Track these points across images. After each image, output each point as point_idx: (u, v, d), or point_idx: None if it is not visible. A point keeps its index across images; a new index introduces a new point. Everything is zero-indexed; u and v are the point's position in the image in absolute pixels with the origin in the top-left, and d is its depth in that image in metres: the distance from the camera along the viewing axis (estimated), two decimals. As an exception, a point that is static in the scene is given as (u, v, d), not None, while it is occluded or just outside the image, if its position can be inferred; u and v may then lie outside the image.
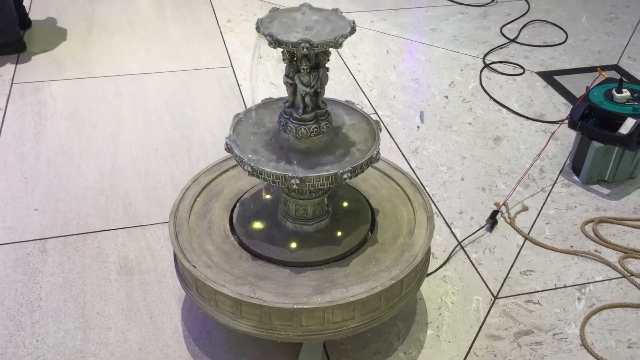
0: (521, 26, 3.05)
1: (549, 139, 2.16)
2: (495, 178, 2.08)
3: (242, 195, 1.55)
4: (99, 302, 1.60)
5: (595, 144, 1.98)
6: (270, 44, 1.19)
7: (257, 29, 1.23)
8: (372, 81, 2.57)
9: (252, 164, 1.27)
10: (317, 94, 1.29)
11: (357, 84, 2.53)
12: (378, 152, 1.35)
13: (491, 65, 2.72)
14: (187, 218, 1.47)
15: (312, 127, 1.31)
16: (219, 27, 2.98)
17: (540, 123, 2.36)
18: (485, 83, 2.59)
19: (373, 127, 1.38)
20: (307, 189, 1.34)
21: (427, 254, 1.47)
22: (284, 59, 1.28)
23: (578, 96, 2.49)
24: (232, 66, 2.66)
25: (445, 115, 2.40)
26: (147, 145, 2.19)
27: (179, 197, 1.53)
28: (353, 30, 1.22)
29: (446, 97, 2.51)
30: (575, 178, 2.08)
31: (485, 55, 2.80)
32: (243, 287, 1.30)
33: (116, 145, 2.18)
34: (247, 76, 2.59)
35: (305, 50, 1.17)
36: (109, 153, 2.14)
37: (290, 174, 1.25)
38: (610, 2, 3.36)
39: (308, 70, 1.24)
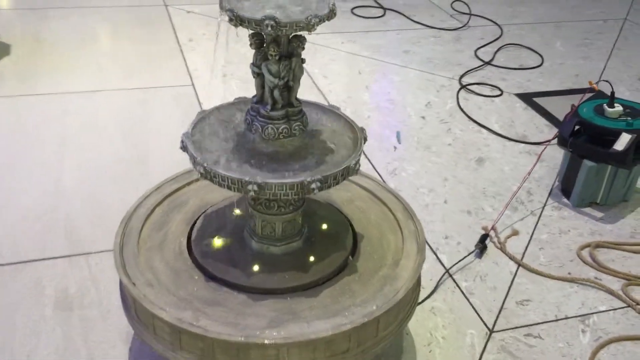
0: (495, 49, 2.95)
1: (537, 160, 2.01)
2: (481, 201, 1.91)
3: (209, 208, 1.34)
4: (31, 341, 1.35)
5: (588, 163, 1.84)
6: (230, 20, 1.00)
7: (220, 4, 1.04)
8: (344, 101, 2.40)
9: (205, 165, 1.07)
10: (289, 88, 1.10)
11: (329, 104, 2.36)
12: (357, 163, 1.15)
13: (468, 87, 2.58)
14: (139, 229, 1.25)
15: (282, 127, 1.12)
16: (180, 46, 2.79)
17: (523, 144, 2.22)
18: (463, 104, 2.45)
19: (357, 135, 1.19)
20: (269, 199, 1.14)
21: (414, 290, 1.26)
22: (251, 44, 1.09)
23: (560, 118, 2.37)
24: (193, 85, 2.47)
25: (423, 135, 2.23)
26: (95, 167, 1.96)
27: (135, 204, 1.32)
28: (332, 14, 1.04)
29: (423, 117, 2.35)
30: (566, 201, 1.92)
31: (461, 77, 2.67)
32: (185, 312, 1.08)
33: (60, 165, 1.95)
34: (209, 95, 2.40)
35: (270, 29, 0.98)
36: (52, 174, 1.90)
37: (247, 179, 1.05)
38: (583, 28, 3.31)
39: (277, 58, 1.06)
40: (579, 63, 2.90)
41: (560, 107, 2.46)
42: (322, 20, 1.01)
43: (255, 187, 1.05)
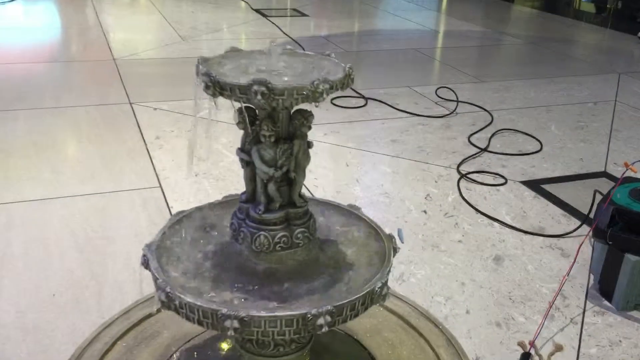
0: (489, 135, 2.74)
1: (575, 258, 1.73)
2: (509, 308, 1.60)
3: (187, 342, 1.00)
4: None
5: (631, 258, 1.56)
6: (207, 88, 0.72)
7: (196, 69, 0.76)
8: (333, 197, 2.12)
9: (168, 290, 0.75)
10: (290, 182, 0.81)
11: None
12: (385, 285, 0.85)
13: (468, 176, 2.33)
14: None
15: (279, 235, 0.82)
16: (146, 145, 2.51)
17: (542, 237, 1.94)
18: (467, 195, 2.19)
19: (383, 246, 0.89)
20: (258, 339, 0.82)
21: None
22: (238, 122, 0.81)
23: (576, 205, 2.12)
24: (160, 186, 2.17)
25: (428, 232, 1.94)
26: (40, 290, 1.61)
27: (92, 335, 0.99)
28: (347, 81, 0.77)
29: (424, 211, 2.07)
30: (607, 303, 1.63)
31: (459, 165, 2.42)
32: None
33: (-3, 291, 1.59)
34: (179, 197, 2.09)
35: (260, 98, 0.70)
36: (-15, 302, 1.55)
37: (224, 311, 0.74)
38: (575, 111, 3.14)
39: (273, 140, 0.77)
40: (579, 146, 2.70)
41: (574, 194, 2.22)
42: (333, 87, 0.73)
43: (236, 324, 0.74)
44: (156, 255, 0.81)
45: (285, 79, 0.72)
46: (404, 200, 2.14)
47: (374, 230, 0.90)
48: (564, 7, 6.35)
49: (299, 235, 0.82)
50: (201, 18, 5.12)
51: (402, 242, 1.88)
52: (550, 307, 1.59)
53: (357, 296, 0.78)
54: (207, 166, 2.28)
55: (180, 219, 0.92)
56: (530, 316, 1.57)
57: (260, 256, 0.81)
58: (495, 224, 2.01)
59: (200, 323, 0.74)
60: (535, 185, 2.30)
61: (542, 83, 3.58)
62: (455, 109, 3.03)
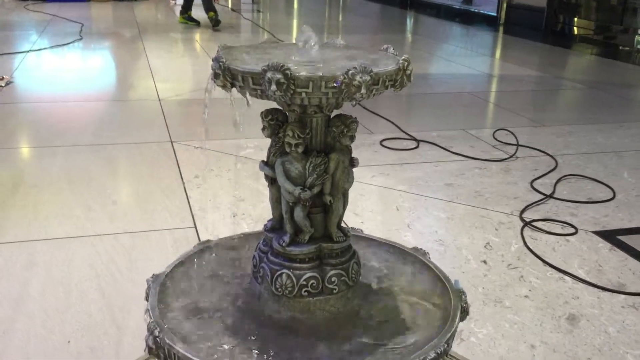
0: (554, 181, 2.50)
1: (659, 317, 1.46)
2: (590, 379, 1.34)
3: None
4: None
5: None
6: (216, 77, 0.55)
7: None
8: (382, 243, 1.91)
9: (157, 334, 0.57)
10: (325, 209, 0.62)
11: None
12: (447, 345, 0.64)
13: (533, 224, 2.09)
14: None
15: (307, 277, 0.64)
16: (183, 183, 2.37)
17: (624, 296, 1.68)
18: (532, 244, 1.95)
19: (449, 303, 0.68)
20: None
21: None
22: (263, 128, 0.63)
23: (660, 259, 1.85)
24: (195, 226, 2.01)
25: (490, 285, 1.71)
26: (54, 335, 1.45)
27: None
28: (402, 75, 0.58)
29: (484, 262, 1.84)
30: None
31: (522, 212, 2.19)
32: None
33: (7, 337, 1.44)
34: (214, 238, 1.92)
35: (274, 88, 0.52)
36: (-8, 348, 1.39)
37: None
38: (648, 157, 2.87)
39: (301, 151, 0.58)
40: (657, 195, 2.43)
41: (657, 246, 1.95)
42: (378, 81, 0.55)
43: None
44: (159, 289, 0.64)
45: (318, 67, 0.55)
46: (461, 249, 1.92)
47: (440, 282, 0.70)
48: (624, 53, 6.09)
49: (333, 279, 0.62)
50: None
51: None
52: (641, 379, 1.33)
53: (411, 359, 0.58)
54: (246, 206, 2.12)
55: (203, 249, 0.74)
56: (616, 389, 1.31)
57: (281, 301, 0.62)
58: (567, 278, 1.77)
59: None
60: (610, 236, 2.04)
61: (610, 128, 3.32)
62: (515, 152, 2.81)
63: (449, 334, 0.62)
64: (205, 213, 2.11)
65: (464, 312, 0.68)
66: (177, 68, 4.79)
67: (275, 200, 0.63)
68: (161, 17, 7.81)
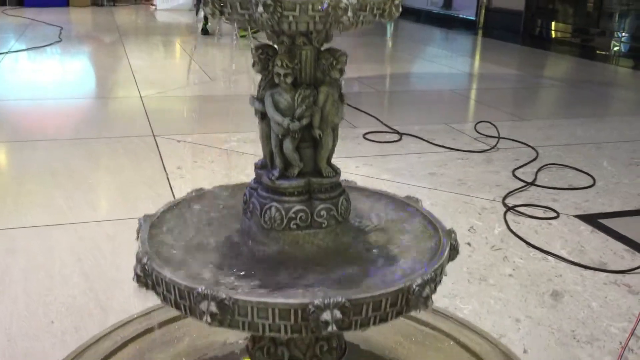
0: (535, 170, 2.53)
1: (640, 289, 1.48)
2: (574, 349, 1.36)
3: (206, 354, 0.81)
4: None
5: None
6: (205, 4, 0.55)
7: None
8: (367, 226, 1.92)
9: (145, 261, 0.57)
10: (314, 142, 0.62)
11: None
12: (428, 284, 0.65)
13: (516, 209, 2.11)
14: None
15: (296, 210, 0.63)
16: (166, 174, 2.36)
17: (605, 273, 1.70)
18: (515, 228, 1.97)
19: (439, 242, 0.69)
20: (261, 337, 0.62)
21: None
22: (254, 64, 0.63)
23: (639, 240, 1.88)
24: (178, 214, 1.99)
25: (474, 265, 1.72)
26: (37, 317, 1.43)
27: (102, 333, 0.85)
28: (393, 5, 0.59)
29: (468, 243, 1.85)
30: (692, 345, 1.37)
31: (504, 198, 2.21)
32: None
33: (-12, 317, 1.42)
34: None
35: (261, 10, 0.52)
36: (-27, 329, 1.37)
37: (200, 290, 0.54)
38: (626, 148, 2.92)
39: (290, 82, 0.59)
40: (636, 182, 2.46)
41: (637, 229, 1.99)
42: (364, 6, 0.55)
43: (214, 307, 0.54)
44: (150, 225, 0.63)
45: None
46: (446, 232, 1.93)
47: (432, 225, 0.71)
48: (601, 55, 6.18)
49: (322, 213, 0.63)
50: (233, 61, 5.07)
51: (446, 275, 1.65)
52: (624, 349, 1.35)
53: (382, 291, 0.58)
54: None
55: (196, 195, 0.74)
56: (599, 357, 1.33)
57: (270, 235, 0.62)
58: (550, 258, 1.78)
59: (177, 306, 0.55)
60: (591, 219, 2.07)
61: (589, 122, 3.37)
62: (497, 144, 2.84)
63: (437, 264, 0.63)
64: (189, 201, 2.10)
65: (454, 250, 0.68)
66: (158, 67, 4.77)
67: (265, 137, 0.63)
68: (141, 21, 7.78)
